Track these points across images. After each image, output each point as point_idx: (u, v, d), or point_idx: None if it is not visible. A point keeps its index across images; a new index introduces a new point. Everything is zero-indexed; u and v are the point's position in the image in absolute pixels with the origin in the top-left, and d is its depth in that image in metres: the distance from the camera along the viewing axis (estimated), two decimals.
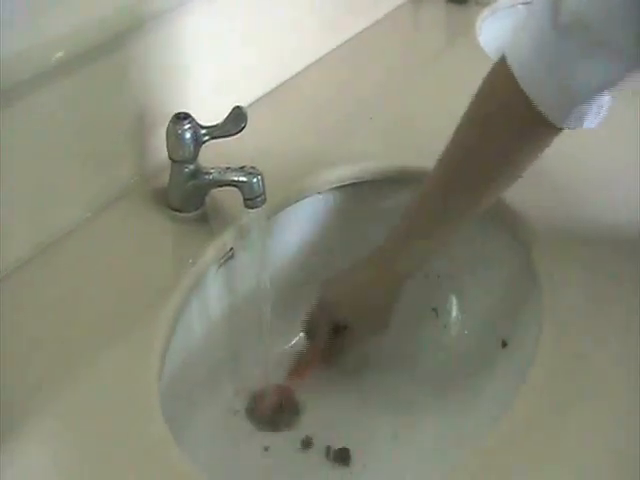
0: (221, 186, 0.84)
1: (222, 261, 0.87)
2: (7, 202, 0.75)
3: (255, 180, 0.80)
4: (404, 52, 1.31)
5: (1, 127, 0.71)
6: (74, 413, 0.66)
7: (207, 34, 0.94)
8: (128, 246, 0.84)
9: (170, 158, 0.85)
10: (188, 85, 0.94)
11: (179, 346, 0.78)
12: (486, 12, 1.46)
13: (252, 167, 0.81)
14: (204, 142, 0.84)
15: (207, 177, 0.84)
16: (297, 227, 0.97)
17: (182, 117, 0.83)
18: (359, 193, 0.99)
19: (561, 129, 0.76)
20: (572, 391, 0.71)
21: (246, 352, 0.92)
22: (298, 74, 1.17)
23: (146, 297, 0.77)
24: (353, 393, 0.93)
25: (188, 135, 0.82)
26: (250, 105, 1.04)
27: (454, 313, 0.99)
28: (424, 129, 1.03)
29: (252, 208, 0.82)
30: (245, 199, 0.81)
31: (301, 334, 0.96)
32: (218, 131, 0.84)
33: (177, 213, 0.87)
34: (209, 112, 0.85)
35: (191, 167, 0.84)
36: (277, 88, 1.13)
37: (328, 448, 0.86)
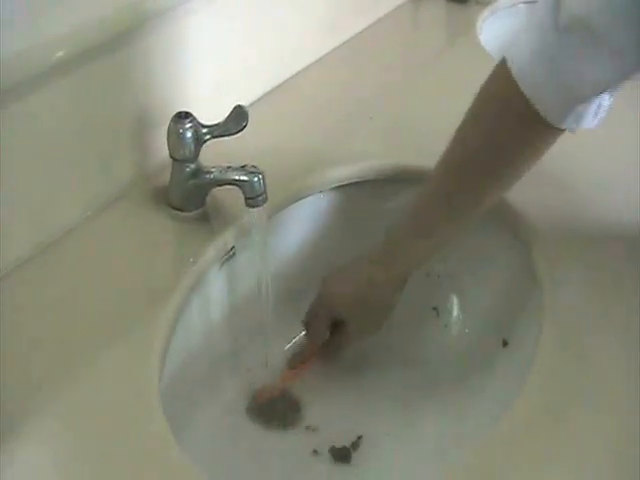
0: (222, 185, 0.84)
1: (223, 260, 0.87)
2: (7, 202, 0.75)
3: (256, 179, 0.80)
4: (404, 52, 1.31)
5: (1, 127, 0.71)
6: (74, 413, 0.66)
7: (208, 34, 0.94)
8: (129, 245, 0.84)
9: (171, 157, 0.85)
10: (189, 84, 0.94)
11: (180, 346, 0.78)
12: (487, 11, 1.46)
13: (253, 166, 0.81)
14: (205, 141, 0.84)
15: (208, 176, 0.84)
16: (298, 226, 0.97)
17: (183, 116, 0.83)
18: (360, 192, 0.99)
19: (561, 131, 0.76)
20: (572, 391, 0.71)
21: (247, 351, 0.92)
22: (299, 73, 1.17)
23: (147, 296, 0.77)
24: (354, 392, 0.93)
25: (189, 134, 0.82)
26: (251, 104, 1.04)
27: (455, 312, 0.99)
28: (424, 129, 1.03)
29: (253, 207, 0.82)
30: (246, 198, 0.81)
31: (302, 333, 0.95)
32: (219, 130, 0.84)
33: (178, 212, 0.87)
34: (210, 111, 0.85)
35: (192, 166, 0.84)
36: (278, 87, 1.13)
37: (328, 446, 0.86)
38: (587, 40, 0.66)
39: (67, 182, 0.82)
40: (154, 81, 0.89)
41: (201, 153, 0.84)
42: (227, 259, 0.87)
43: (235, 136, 0.84)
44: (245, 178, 0.80)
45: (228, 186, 0.82)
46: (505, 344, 0.89)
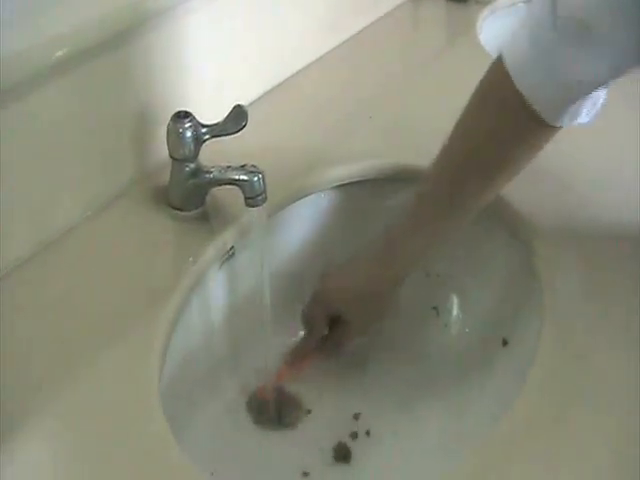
0: (222, 185, 0.84)
1: (223, 260, 0.87)
2: (7, 202, 0.75)
3: (256, 179, 0.80)
4: (404, 51, 1.31)
5: (1, 127, 0.71)
6: (74, 413, 0.66)
7: (207, 33, 0.94)
8: (128, 245, 0.84)
9: (171, 157, 0.84)
10: (189, 83, 0.94)
11: (179, 345, 0.78)
12: (486, 11, 1.46)
13: (253, 166, 0.81)
14: (205, 141, 0.84)
15: (208, 176, 0.84)
16: (298, 226, 0.97)
17: (183, 115, 0.83)
18: (360, 192, 0.99)
19: (557, 128, 0.76)
20: (572, 390, 0.71)
21: (247, 351, 0.92)
22: (298, 73, 1.17)
23: (146, 296, 0.77)
24: (355, 391, 0.93)
25: (189, 134, 0.82)
26: (251, 104, 1.04)
27: (455, 312, 0.99)
28: (425, 128, 1.02)
29: (253, 207, 0.81)
30: (246, 198, 0.81)
31: (302, 332, 0.95)
32: (219, 130, 0.84)
33: (178, 212, 0.87)
34: (210, 110, 0.85)
35: (192, 166, 0.84)
36: (277, 87, 1.13)
37: (329, 445, 0.86)
38: (585, 38, 0.66)
39: (67, 182, 0.82)
40: (154, 80, 0.89)
41: (201, 152, 0.84)
42: (227, 259, 0.87)
43: (235, 135, 0.84)
44: (245, 178, 0.80)
45: (228, 186, 0.82)
46: (505, 343, 0.89)
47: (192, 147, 0.83)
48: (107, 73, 0.82)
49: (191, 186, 0.86)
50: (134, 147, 0.90)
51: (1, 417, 0.64)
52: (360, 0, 1.31)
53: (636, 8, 0.62)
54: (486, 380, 0.88)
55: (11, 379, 0.68)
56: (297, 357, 0.92)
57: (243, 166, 0.81)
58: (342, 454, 0.85)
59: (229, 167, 0.82)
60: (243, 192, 0.81)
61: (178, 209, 0.87)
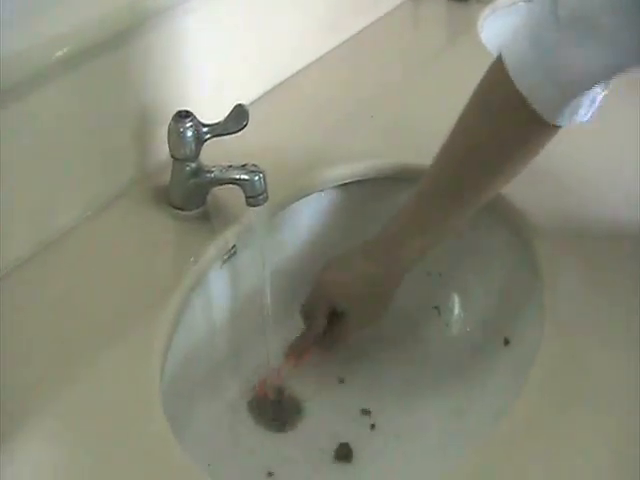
0: (223, 184, 0.84)
1: (224, 259, 0.87)
2: (7, 202, 0.75)
3: (257, 178, 0.80)
4: (405, 50, 1.31)
5: (1, 127, 0.71)
6: (74, 412, 0.66)
7: (208, 32, 0.94)
8: (129, 245, 0.84)
9: (172, 156, 0.85)
10: (189, 83, 0.94)
11: (181, 345, 0.78)
12: (487, 10, 1.46)
13: (254, 165, 0.81)
14: (206, 140, 0.84)
15: (209, 175, 0.84)
16: (299, 225, 0.97)
17: (184, 115, 0.83)
18: (360, 191, 0.99)
19: (557, 128, 0.76)
20: (573, 390, 0.71)
21: (248, 350, 0.92)
22: (299, 72, 1.17)
23: (148, 295, 0.77)
24: (355, 390, 0.93)
25: (190, 133, 0.82)
26: (251, 103, 1.04)
27: (456, 311, 0.99)
28: (425, 127, 1.02)
29: (254, 206, 0.82)
30: (247, 197, 0.81)
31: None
32: (220, 129, 0.84)
33: (179, 211, 0.87)
34: (211, 110, 0.85)
35: (193, 165, 0.84)
36: (278, 86, 1.13)
37: (329, 444, 0.86)
38: (586, 38, 0.67)
39: (67, 181, 0.82)
40: (154, 80, 0.89)
41: (202, 152, 0.84)
42: (228, 258, 0.87)
43: (236, 135, 0.84)
44: (246, 177, 0.80)
45: (229, 185, 0.82)
46: (506, 343, 0.89)
47: (193, 147, 0.83)
48: (107, 73, 0.82)
49: (192, 186, 0.86)
50: (135, 147, 0.90)
51: (1, 417, 0.64)
52: (360, 0, 1.31)
53: (638, 8, 0.62)
54: (487, 379, 0.88)
55: (11, 379, 0.68)
56: (296, 351, 0.92)
57: (244, 165, 0.81)
58: (343, 453, 0.85)
59: (230, 166, 0.82)
60: (244, 191, 0.81)
61: (179, 209, 0.87)
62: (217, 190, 0.87)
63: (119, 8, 0.79)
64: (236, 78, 1.03)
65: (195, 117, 0.83)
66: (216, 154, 0.85)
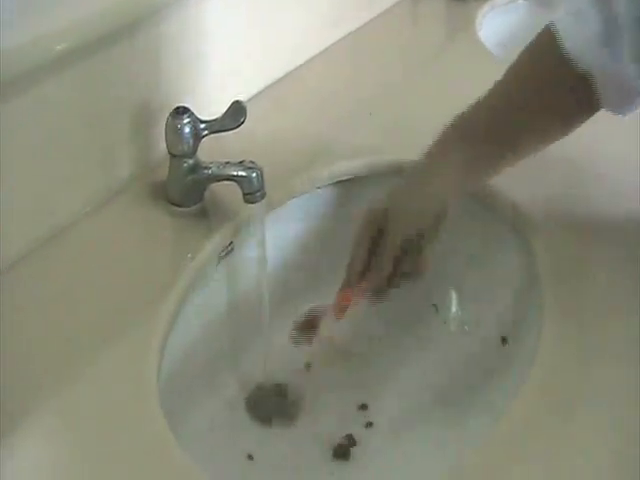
0: (220, 181, 0.84)
1: (221, 256, 0.86)
2: (6, 197, 0.75)
3: (254, 175, 0.80)
4: (404, 47, 1.31)
5: (1, 121, 0.71)
6: (73, 410, 0.66)
7: (209, 28, 0.94)
8: (127, 241, 0.84)
9: (169, 152, 0.84)
10: (188, 79, 0.94)
11: (178, 341, 0.78)
12: (486, 7, 1.46)
13: (251, 162, 0.81)
14: (203, 136, 0.84)
15: (206, 172, 0.84)
16: (296, 222, 0.97)
17: (181, 111, 0.83)
18: (359, 188, 0.99)
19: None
20: (572, 389, 0.71)
21: (245, 347, 0.92)
22: (298, 68, 1.17)
23: (145, 292, 0.77)
24: (353, 389, 0.93)
25: (187, 129, 0.82)
26: (250, 99, 1.04)
27: (454, 309, 0.99)
28: (424, 125, 1.01)
29: (251, 203, 0.81)
30: (244, 194, 0.81)
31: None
32: (217, 125, 0.84)
33: (176, 208, 0.87)
34: (209, 106, 0.85)
35: (190, 161, 0.84)
36: (277, 82, 1.13)
37: (327, 443, 0.86)
38: None
39: (66, 177, 0.82)
40: (153, 75, 0.89)
41: (199, 148, 0.84)
42: (225, 255, 0.87)
43: (233, 131, 0.84)
44: (243, 174, 0.80)
45: (226, 182, 0.82)
46: (504, 341, 0.89)
47: (191, 143, 0.83)
48: (106, 68, 0.81)
49: (190, 182, 0.85)
50: (133, 143, 0.90)
51: (1, 415, 0.64)
52: None
53: None
54: (485, 378, 0.87)
55: (11, 376, 0.67)
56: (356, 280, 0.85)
57: (242, 162, 0.81)
58: (341, 452, 0.85)
59: (228, 163, 0.82)
60: (242, 188, 0.81)
61: (177, 205, 0.87)
62: (215, 186, 0.87)
63: (118, 3, 0.79)
64: (236, 74, 1.03)
65: (193, 113, 0.83)
66: (214, 150, 0.85)
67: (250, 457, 0.84)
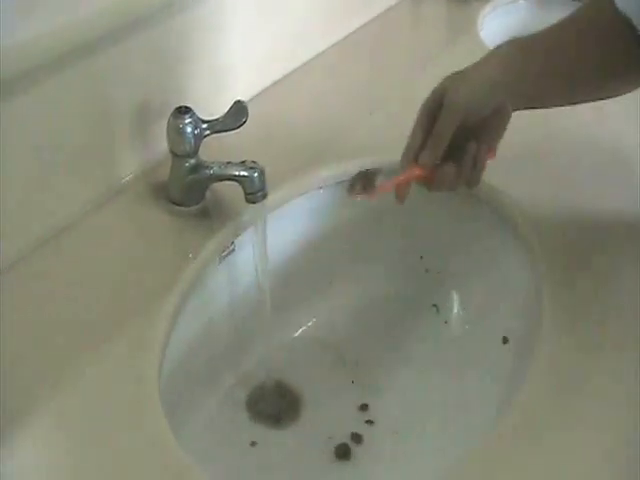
0: (222, 180, 0.84)
1: (223, 256, 0.86)
2: (6, 196, 0.75)
3: (256, 175, 0.80)
4: (405, 48, 1.31)
5: (1, 121, 0.71)
6: (74, 409, 0.66)
7: (209, 28, 0.94)
8: (128, 240, 0.84)
9: (171, 152, 0.84)
10: (189, 79, 0.94)
11: (179, 341, 0.78)
12: (487, 8, 1.46)
13: (253, 162, 0.81)
14: (205, 136, 0.84)
15: (208, 171, 0.84)
16: (298, 222, 0.97)
17: (183, 111, 0.82)
18: None
19: None
20: (572, 389, 0.71)
21: (247, 346, 0.92)
22: (299, 69, 1.17)
23: (146, 292, 0.77)
24: (354, 388, 0.93)
25: (189, 129, 0.82)
26: (251, 99, 1.04)
27: (455, 309, 0.99)
28: None
29: (253, 203, 0.81)
30: (246, 194, 0.81)
31: (303, 327, 0.95)
32: (219, 125, 0.84)
33: (177, 207, 0.87)
34: (211, 106, 0.85)
35: (192, 161, 0.84)
36: (278, 82, 1.13)
37: (328, 443, 0.86)
38: None
39: (67, 176, 0.82)
40: (154, 75, 0.89)
41: (201, 148, 0.84)
42: (227, 254, 0.87)
43: (235, 131, 0.84)
44: (245, 174, 0.80)
45: (228, 181, 0.82)
46: (505, 341, 0.89)
47: (192, 143, 0.83)
48: (106, 68, 0.81)
49: (191, 182, 0.85)
50: (134, 142, 0.90)
51: (1, 415, 0.64)
52: None
53: None
54: (486, 378, 0.88)
55: (11, 376, 0.67)
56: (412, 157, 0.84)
57: (243, 162, 0.81)
58: (342, 451, 0.85)
59: (229, 163, 0.82)
60: (243, 188, 0.81)
61: (178, 205, 0.87)
62: (216, 186, 0.87)
63: (117, 3, 0.79)
64: (235, 74, 1.03)
65: (194, 113, 0.83)
66: (215, 150, 0.85)
67: (250, 457, 0.84)
